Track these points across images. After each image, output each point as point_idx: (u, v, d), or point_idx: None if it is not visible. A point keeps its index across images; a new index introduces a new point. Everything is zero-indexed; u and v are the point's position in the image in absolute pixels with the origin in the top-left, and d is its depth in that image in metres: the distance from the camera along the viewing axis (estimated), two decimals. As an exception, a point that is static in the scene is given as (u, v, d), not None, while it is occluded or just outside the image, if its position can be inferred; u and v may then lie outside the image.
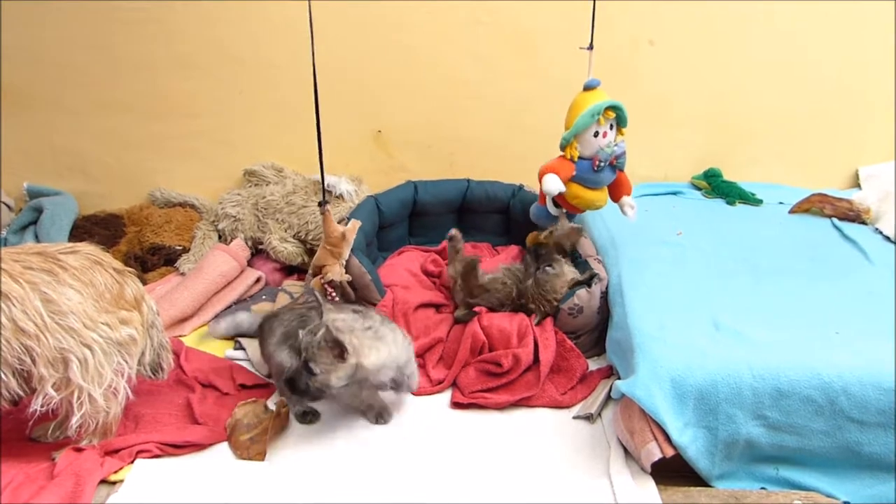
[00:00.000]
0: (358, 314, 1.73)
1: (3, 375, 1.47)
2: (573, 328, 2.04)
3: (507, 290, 2.09)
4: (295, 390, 1.64)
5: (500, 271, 2.14)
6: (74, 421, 1.56)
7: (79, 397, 1.54)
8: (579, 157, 1.98)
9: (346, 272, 2.13)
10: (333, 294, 2.13)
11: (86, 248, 1.65)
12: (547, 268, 2.05)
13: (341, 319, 1.64)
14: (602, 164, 1.98)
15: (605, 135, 1.96)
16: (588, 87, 1.97)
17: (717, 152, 2.76)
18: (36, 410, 1.52)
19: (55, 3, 2.46)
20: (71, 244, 1.65)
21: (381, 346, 1.66)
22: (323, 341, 1.59)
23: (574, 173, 1.99)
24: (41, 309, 1.49)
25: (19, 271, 1.50)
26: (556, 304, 2.01)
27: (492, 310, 2.07)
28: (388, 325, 1.75)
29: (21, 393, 1.52)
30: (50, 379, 1.50)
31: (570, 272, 2.07)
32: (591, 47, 2.01)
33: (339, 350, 1.58)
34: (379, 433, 1.77)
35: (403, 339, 1.76)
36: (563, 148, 1.98)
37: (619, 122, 1.98)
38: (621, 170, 2.03)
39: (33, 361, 1.49)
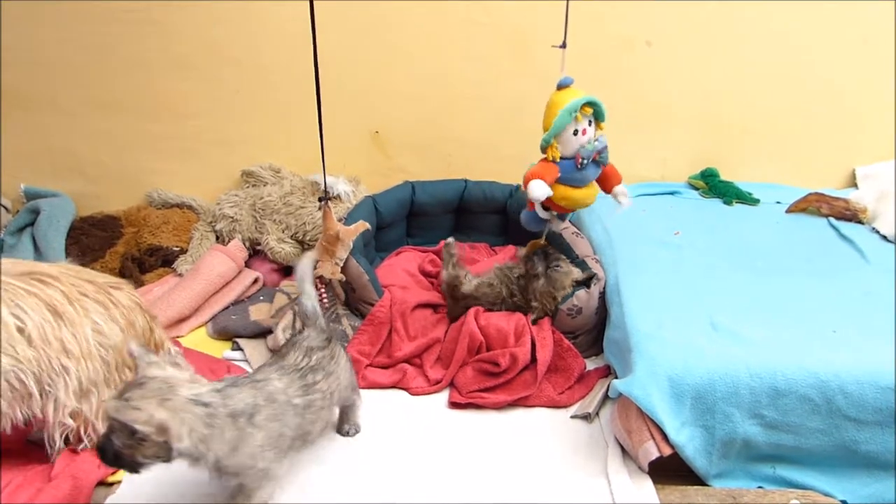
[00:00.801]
0: (219, 391, 1.34)
1: (33, 392, 1.47)
2: (571, 328, 2.04)
3: (496, 290, 2.09)
4: (105, 459, 1.28)
5: (493, 271, 2.14)
6: (80, 447, 1.59)
7: (86, 430, 1.57)
8: (562, 158, 1.94)
9: (344, 273, 2.13)
10: (323, 291, 2.14)
11: (127, 286, 1.69)
12: (557, 266, 2.05)
13: (162, 380, 1.29)
14: (585, 161, 1.93)
15: (584, 132, 1.92)
16: (561, 86, 1.93)
17: (713, 152, 2.77)
18: (60, 448, 1.56)
19: (52, 3, 2.46)
20: (115, 279, 1.69)
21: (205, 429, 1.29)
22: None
23: (559, 174, 1.95)
24: (90, 337, 1.52)
25: (75, 296, 1.53)
26: (559, 301, 2.01)
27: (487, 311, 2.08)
28: (240, 422, 1.33)
29: (39, 414, 1.52)
30: (69, 407, 1.51)
31: (575, 271, 2.08)
32: (563, 45, 1.99)
33: (129, 430, 1.23)
34: (376, 433, 1.77)
35: (249, 441, 1.34)
36: (543, 150, 1.95)
37: (598, 117, 1.94)
38: (605, 164, 1.98)
39: (64, 385, 1.50)
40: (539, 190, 1.90)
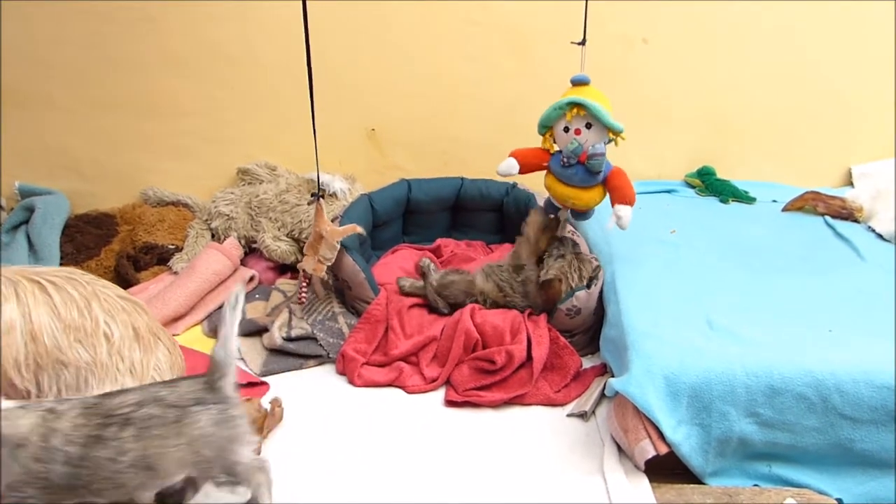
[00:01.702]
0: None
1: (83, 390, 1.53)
2: (569, 328, 2.04)
3: (467, 279, 2.12)
4: None
5: (482, 268, 2.16)
6: None
7: None
8: (557, 151, 1.98)
9: (340, 271, 2.13)
10: (304, 284, 2.14)
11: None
12: (580, 253, 2.10)
13: None
14: (567, 160, 1.94)
15: (577, 132, 1.92)
16: (574, 83, 1.95)
17: (710, 150, 2.77)
18: None
19: (48, 2, 2.45)
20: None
21: None
22: None
23: (547, 164, 2.01)
24: (151, 368, 1.63)
25: (154, 332, 1.68)
26: (582, 283, 2.01)
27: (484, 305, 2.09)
28: (3, 451, 1.21)
29: None
30: None
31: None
32: (583, 42, 1.99)
33: None
34: (373, 432, 1.77)
35: None
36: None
37: (609, 127, 1.90)
38: (594, 171, 1.94)
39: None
40: (504, 163, 2.03)
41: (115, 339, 1.56)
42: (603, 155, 1.92)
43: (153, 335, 1.67)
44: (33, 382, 1.49)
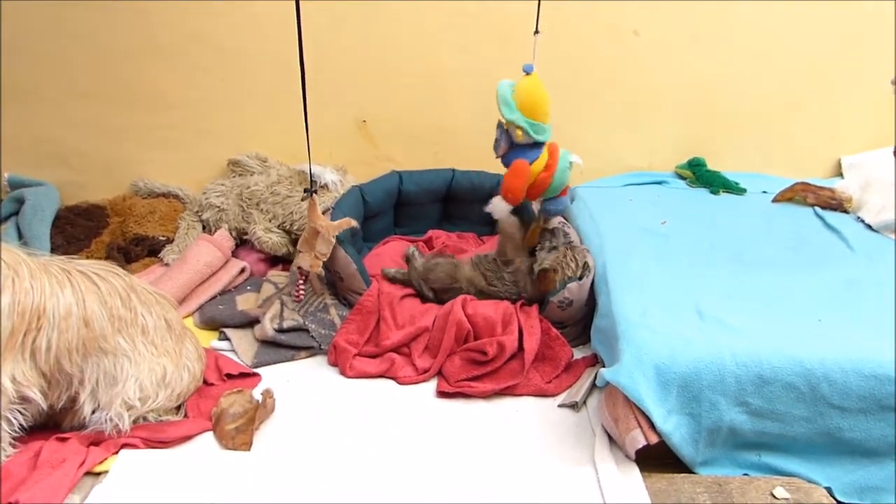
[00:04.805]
0: None
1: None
2: (560, 319, 2.05)
3: (452, 261, 2.14)
4: None
5: (472, 257, 2.17)
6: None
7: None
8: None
9: (332, 263, 2.13)
10: (301, 282, 2.14)
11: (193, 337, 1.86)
12: (571, 243, 2.11)
13: None
14: None
15: None
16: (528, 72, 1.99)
17: (701, 142, 2.78)
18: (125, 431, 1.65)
19: (36, -8, 2.43)
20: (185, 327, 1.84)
21: None
22: None
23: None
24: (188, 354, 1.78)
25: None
26: (576, 273, 2.02)
27: (479, 294, 2.10)
28: None
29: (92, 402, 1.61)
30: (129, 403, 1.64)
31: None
32: (536, 32, 2.04)
33: None
34: (365, 423, 1.77)
35: None
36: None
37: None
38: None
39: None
40: None
41: (150, 329, 1.67)
42: (496, 140, 2.06)
43: (182, 327, 1.79)
44: (79, 368, 1.56)
